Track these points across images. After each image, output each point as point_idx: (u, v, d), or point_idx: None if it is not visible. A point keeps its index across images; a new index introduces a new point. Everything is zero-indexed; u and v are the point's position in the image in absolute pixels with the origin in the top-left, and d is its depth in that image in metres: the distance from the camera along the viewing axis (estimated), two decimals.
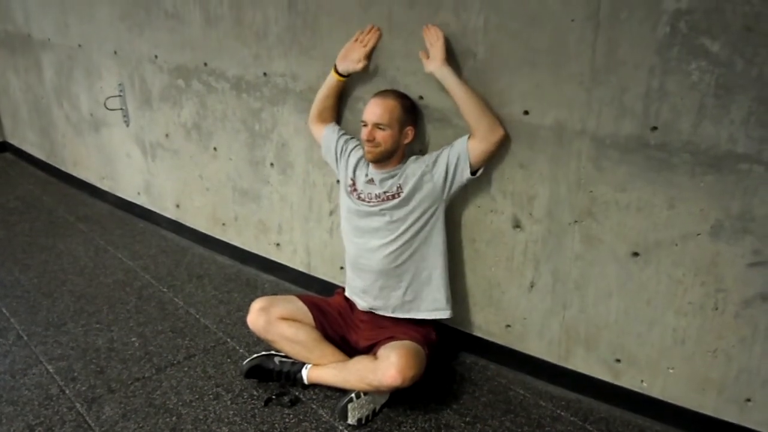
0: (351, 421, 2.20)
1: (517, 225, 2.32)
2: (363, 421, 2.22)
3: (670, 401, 2.17)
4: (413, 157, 2.38)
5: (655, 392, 2.19)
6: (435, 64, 2.22)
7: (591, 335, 2.27)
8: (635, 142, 1.96)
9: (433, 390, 2.40)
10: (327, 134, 2.63)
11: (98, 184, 4.63)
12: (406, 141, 2.33)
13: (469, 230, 2.45)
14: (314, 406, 2.32)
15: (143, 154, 3.98)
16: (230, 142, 3.29)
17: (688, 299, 2.02)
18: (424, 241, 2.35)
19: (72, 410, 2.29)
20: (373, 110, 2.27)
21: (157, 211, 4.09)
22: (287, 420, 2.25)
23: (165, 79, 3.54)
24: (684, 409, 2.14)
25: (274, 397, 2.35)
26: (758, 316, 1.91)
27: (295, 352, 2.38)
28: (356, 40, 2.49)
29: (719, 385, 2.05)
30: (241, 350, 2.68)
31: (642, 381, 2.21)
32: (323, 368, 2.35)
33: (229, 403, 2.34)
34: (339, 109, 2.68)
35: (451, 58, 2.24)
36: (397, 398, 2.31)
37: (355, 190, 2.44)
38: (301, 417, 2.26)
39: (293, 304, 2.45)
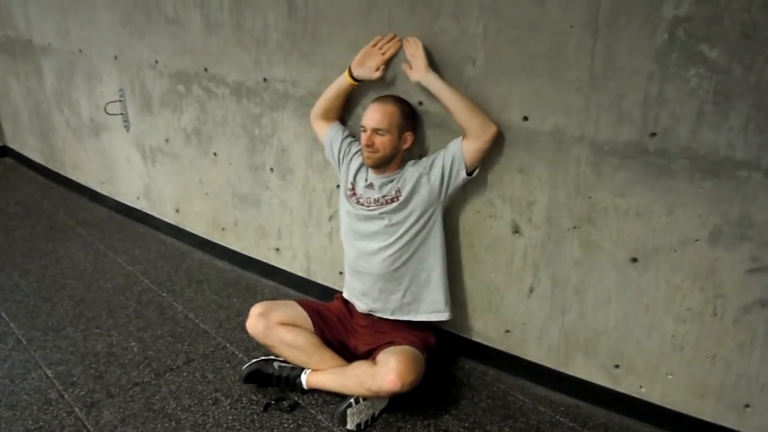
0: (350, 426, 2.20)
1: (516, 230, 2.33)
2: (362, 427, 2.22)
3: (669, 407, 2.17)
4: (411, 162, 2.39)
5: (654, 398, 2.19)
6: (419, 73, 2.26)
7: (590, 341, 2.28)
8: (634, 148, 1.96)
9: (433, 395, 2.39)
10: (332, 133, 2.60)
11: (98, 189, 4.64)
12: (405, 146, 2.34)
13: (468, 235, 2.46)
14: (313, 411, 2.32)
15: (143, 159, 3.99)
16: (230, 147, 3.30)
17: (687, 305, 2.02)
18: (422, 243, 2.35)
19: (71, 415, 2.29)
20: (373, 115, 2.28)
21: (157, 215, 4.09)
22: (286, 425, 2.25)
23: (165, 84, 3.55)
24: (683, 415, 2.14)
25: (273, 402, 2.35)
26: (757, 322, 1.91)
27: (294, 357, 2.38)
28: (375, 45, 2.42)
29: (718, 391, 2.05)
30: (240, 355, 2.68)
31: (641, 387, 2.21)
32: (322, 373, 2.35)
33: (228, 408, 2.34)
34: (344, 110, 2.66)
35: (450, 64, 2.25)
36: (396, 403, 2.31)
37: (354, 194, 2.44)
38: (300, 422, 2.26)
39: (292, 309, 2.45)
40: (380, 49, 2.41)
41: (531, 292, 2.36)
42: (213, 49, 3.15)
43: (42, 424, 2.24)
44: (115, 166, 4.32)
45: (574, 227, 2.18)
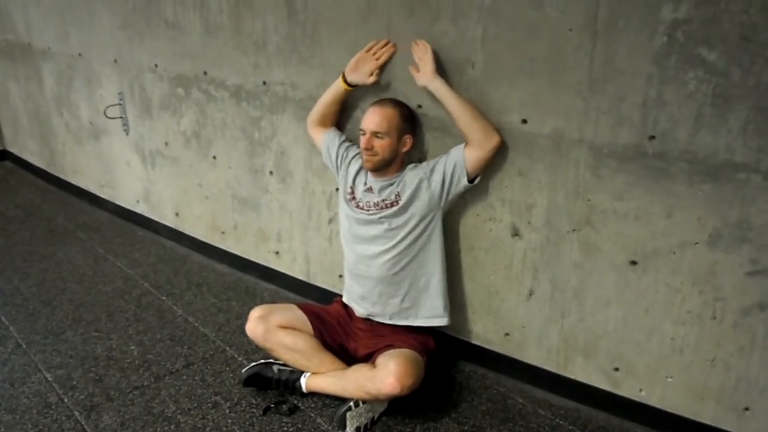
0: (349, 429, 2.19)
1: (515, 233, 2.33)
2: (361, 430, 2.21)
3: (668, 410, 2.16)
4: (411, 165, 2.38)
5: (654, 401, 2.19)
6: (426, 77, 2.24)
7: (589, 344, 2.27)
8: (633, 150, 1.97)
9: (432, 398, 2.39)
10: (328, 139, 2.61)
11: (98, 193, 4.64)
12: (405, 149, 2.34)
13: (467, 238, 2.46)
14: (313, 415, 2.32)
15: (143, 163, 3.99)
16: (230, 150, 3.30)
17: (687, 308, 2.02)
18: (422, 248, 2.35)
19: (71, 418, 2.29)
20: (372, 119, 2.28)
21: (157, 219, 4.09)
22: (286, 428, 2.24)
23: (165, 87, 3.55)
24: (682, 418, 2.14)
25: (272, 405, 2.35)
26: (756, 325, 1.91)
27: (294, 360, 2.38)
28: (369, 50, 2.44)
29: (718, 394, 2.05)
30: (239, 358, 2.68)
31: (640, 390, 2.21)
32: (322, 376, 2.35)
33: (227, 411, 2.33)
34: (341, 116, 2.67)
35: (449, 67, 2.26)
36: (395, 407, 2.31)
37: (354, 198, 2.44)
38: (300, 425, 2.26)
39: (292, 313, 2.45)
40: (374, 54, 2.43)
41: (530, 294, 2.36)
42: (212, 53, 3.15)
43: (42, 427, 2.24)
44: (115, 170, 4.32)
45: (574, 230, 2.18)
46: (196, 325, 2.97)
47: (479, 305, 2.53)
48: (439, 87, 2.22)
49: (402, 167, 2.38)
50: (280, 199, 3.14)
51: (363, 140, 2.30)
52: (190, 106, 3.43)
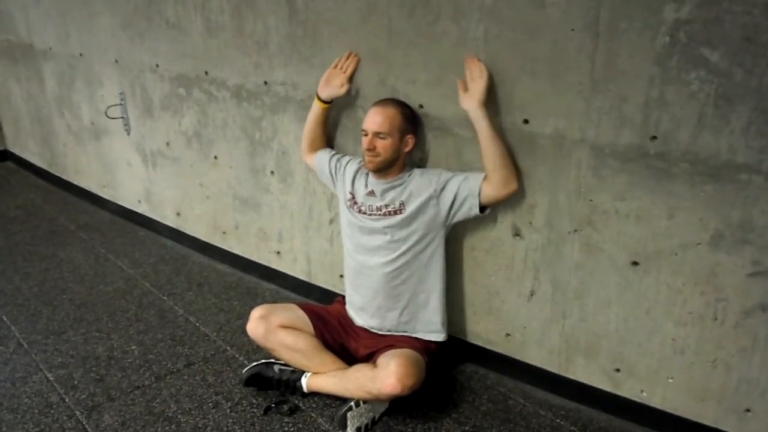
0: (350, 429, 2.19)
1: (516, 234, 2.32)
2: (362, 430, 2.21)
3: (669, 411, 2.16)
4: (417, 171, 2.37)
5: (655, 402, 2.19)
6: (472, 104, 2.16)
7: (591, 344, 2.27)
8: (635, 151, 1.96)
9: (433, 399, 2.39)
10: (319, 158, 2.68)
11: (99, 193, 4.64)
12: (407, 149, 2.34)
13: (468, 239, 2.46)
14: (313, 415, 2.32)
15: (144, 163, 3.99)
16: (231, 150, 3.30)
17: (688, 309, 2.02)
18: (424, 264, 2.36)
19: (72, 418, 2.29)
20: (374, 119, 2.28)
21: (158, 219, 4.09)
22: (286, 428, 2.24)
23: (166, 87, 3.55)
24: (683, 419, 2.14)
25: (273, 405, 2.35)
26: (758, 326, 1.91)
27: (295, 360, 2.38)
28: (335, 66, 2.57)
29: (719, 395, 2.04)
30: (240, 358, 2.68)
31: (642, 391, 2.20)
32: (323, 376, 2.35)
33: (228, 411, 2.33)
34: (328, 134, 2.74)
35: (449, 67, 2.26)
36: (396, 407, 2.31)
37: (355, 203, 2.44)
38: (301, 425, 2.26)
39: (293, 313, 2.45)
40: (341, 68, 2.57)
41: (532, 295, 2.36)
42: (213, 53, 3.15)
43: (43, 427, 2.24)
44: (116, 170, 4.33)
45: (575, 230, 2.18)
46: (197, 325, 2.97)
47: (480, 306, 2.53)
48: (480, 118, 2.15)
49: (404, 168, 2.37)
50: (281, 199, 3.14)
51: (365, 141, 2.29)
52: (191, 106, 3.43)
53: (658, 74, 1.85)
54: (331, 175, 2.60)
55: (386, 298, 2.40)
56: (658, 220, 1.99)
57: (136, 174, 4.12)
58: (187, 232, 3.87)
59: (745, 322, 1.93)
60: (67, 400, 2.40)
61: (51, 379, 2.53)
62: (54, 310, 3.10)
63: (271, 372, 2.41)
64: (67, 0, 4.09)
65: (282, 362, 2.43)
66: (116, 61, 3.85)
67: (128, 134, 4.02)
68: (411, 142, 2.33)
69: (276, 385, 2.41)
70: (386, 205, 2.35)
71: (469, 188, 2.23)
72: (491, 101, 2.20)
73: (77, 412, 2.33)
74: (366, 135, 2.29)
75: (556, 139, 2.12)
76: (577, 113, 2.04)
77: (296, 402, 2.38)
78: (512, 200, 2.28)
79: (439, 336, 2.44)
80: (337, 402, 2.32)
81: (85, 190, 4.80)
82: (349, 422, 2.18)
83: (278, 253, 3.29)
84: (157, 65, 3.54)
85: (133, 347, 2.77)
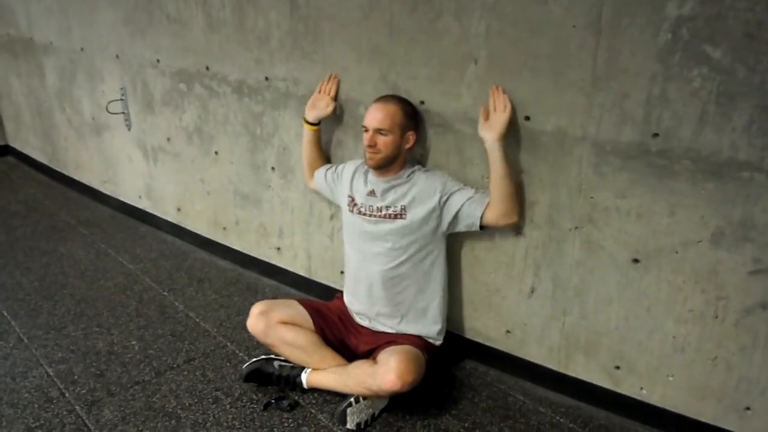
0: (350, 425, 2.19)
1: (517, 231, 2.32)
2: (362, 426, 2.21)
3: (669, 409, 2.16)
4: (420, 171, 2.36)
5: (655, 400, 2.19)
6: (492, 135, 2.14)
7: (591, 342, 2.27)
8: (636, 148, 1.96)
9: (433, 395, 2.39)
10: (316, 179, 2.74)
11: (100, 188, 4.64)
12: (408, 146, 2.33)
13: (469, 236, 2.45)
14: (313, 411, 2.32)
15: (145, 158, 3.99)
16: (231, 146, 3.30)
17: (689, 307, 2.01)
18: (424, 273, 2.37)
19: (72, 413, 2.29)
20: (375, 115, 2.27)
21: (159, 214, 4.09)
22: (286, 424, 2.25)
23: (167, 83, 3.55)
24: (683, 417, 2.14)
25: (273, 401, 2.35)
26: (758, 325, 1.91)
27: (295, 356, 2.38)
28: (319, 91, 2.67)
29: (719, 393, 2.04)
30: (240, 354, 2.68)
31: (642, 388, 2.20)
32: (323, 372, 2.35)
33: (228, 407, 2.34)
34: (324, 152, 2.79)
35: (453, 64, 2.25)
36: (396, 403, 2.31)
37: (355, 204, 2.43)
38: (300, 421, 2.26)
39: (293, 308, 2.45)
40: (325, 91, 2.67)
41: (532, 292, 2.36)
42: (215, 48, 3.15)
43: (43, 422, 2.24)
44: (117, 165, 4.33)
45: (576, 228, 2.18)
46: (197, 320, 2.97)
47: (480, 303, 2.52)
48: (496, 150, 2.14)
49: (405, 165, 2.37)
50: (281, 195, 3.14)
51: (366, 137, 2.29)
52: (192, 101, 3.43)
53: (660, 71, 1.84)
54: (331, 186, 2.63)
55: (386, 305, 2.40)
56: (659, 218, 1.98)
57: (136, 169, 4.12)
58: (188, 227, 3.87)
59: (746, 320, 1.92)
60: (67, 395, 2.40)
61: (51, 374, 2.53)
62: (54, 305, 3.10)
63: (271, 368, 2.41)
64: None
65: (282, 358, 2.43)
66: (117, 56, 3.85)
67: (129, 129, 4.02)
68: (412, 139, 2.33)
69: (276, 381, 2.41)
70: (387, 207, 2.34)
71: (472, 212, 2.25)
72: (491, 98, 2.19)
73: (77, 407, 2.33)
74: (367, 131, 2.29)
75: (557, 136, 2.11)
76: (578, 110, 2.04)
77: (296, 398, 2.38)
78: None
79: (435, 341, 2.45)
80: (337, 398, 2.32)
81: (86, 186, 4.80)
82: (348, 418, 2.19)
83: (279, 249, 3.29)
84: (158, 60, 3.54)
85: (134, 342, 2.77)
